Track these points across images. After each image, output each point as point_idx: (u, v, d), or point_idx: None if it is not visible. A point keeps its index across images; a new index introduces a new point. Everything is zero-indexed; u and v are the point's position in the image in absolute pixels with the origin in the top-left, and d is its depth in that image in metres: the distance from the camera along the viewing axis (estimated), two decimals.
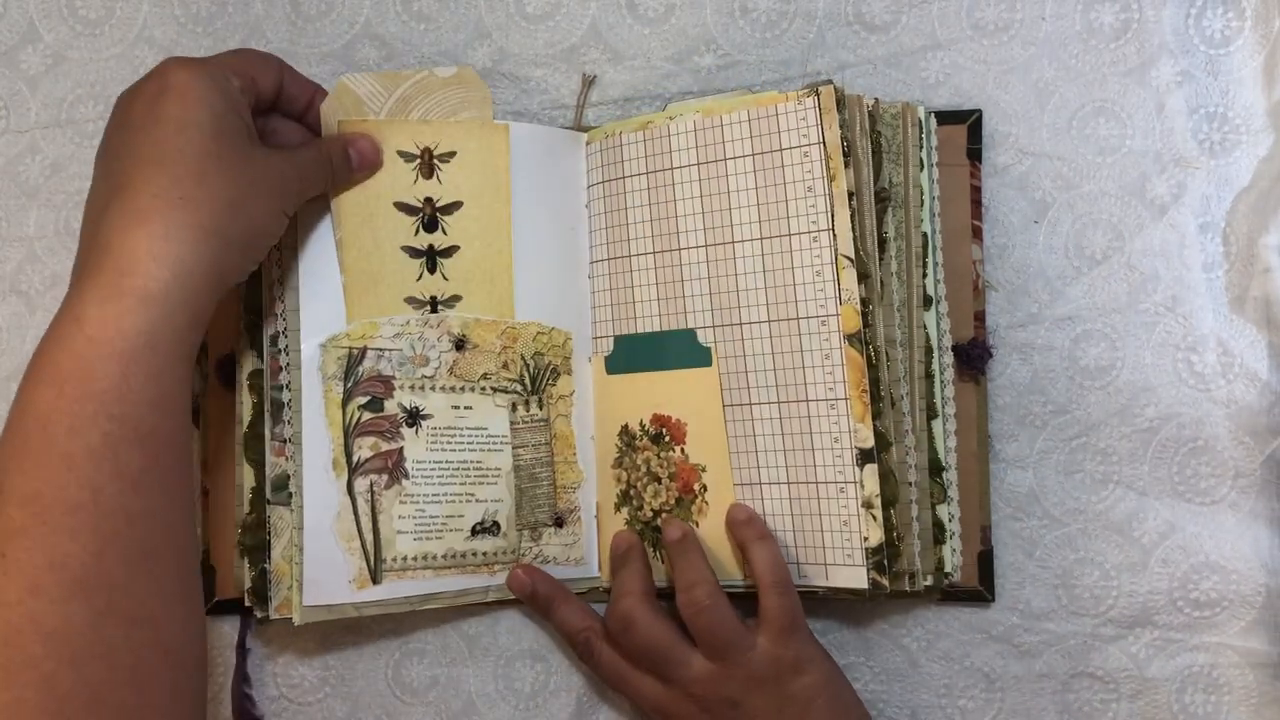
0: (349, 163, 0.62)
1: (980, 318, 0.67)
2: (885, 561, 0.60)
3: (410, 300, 0.64)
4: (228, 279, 0.54)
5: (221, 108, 0.54)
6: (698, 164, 0.64)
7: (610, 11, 0.69)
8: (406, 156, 0.64)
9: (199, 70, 0.54)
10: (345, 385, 0.63)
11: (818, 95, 0.62)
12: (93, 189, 0.54)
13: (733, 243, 0.64)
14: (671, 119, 0.65)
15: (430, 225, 0.65)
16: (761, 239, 0.63)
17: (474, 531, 0.65)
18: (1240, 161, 0.66)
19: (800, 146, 0.62)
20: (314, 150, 0.60)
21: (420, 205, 0.65)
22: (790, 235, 0.63)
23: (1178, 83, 0.67)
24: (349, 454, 0.63)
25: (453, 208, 0.65)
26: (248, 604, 0.63)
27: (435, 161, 0.65)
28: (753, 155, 0.64)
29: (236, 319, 0.65)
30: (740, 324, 0.64)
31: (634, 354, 0.66)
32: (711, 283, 0.64)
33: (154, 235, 0.51)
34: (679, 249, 0.65)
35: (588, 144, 0.68)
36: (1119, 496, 0.66)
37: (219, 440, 0.67)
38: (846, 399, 0.62)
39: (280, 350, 0.63)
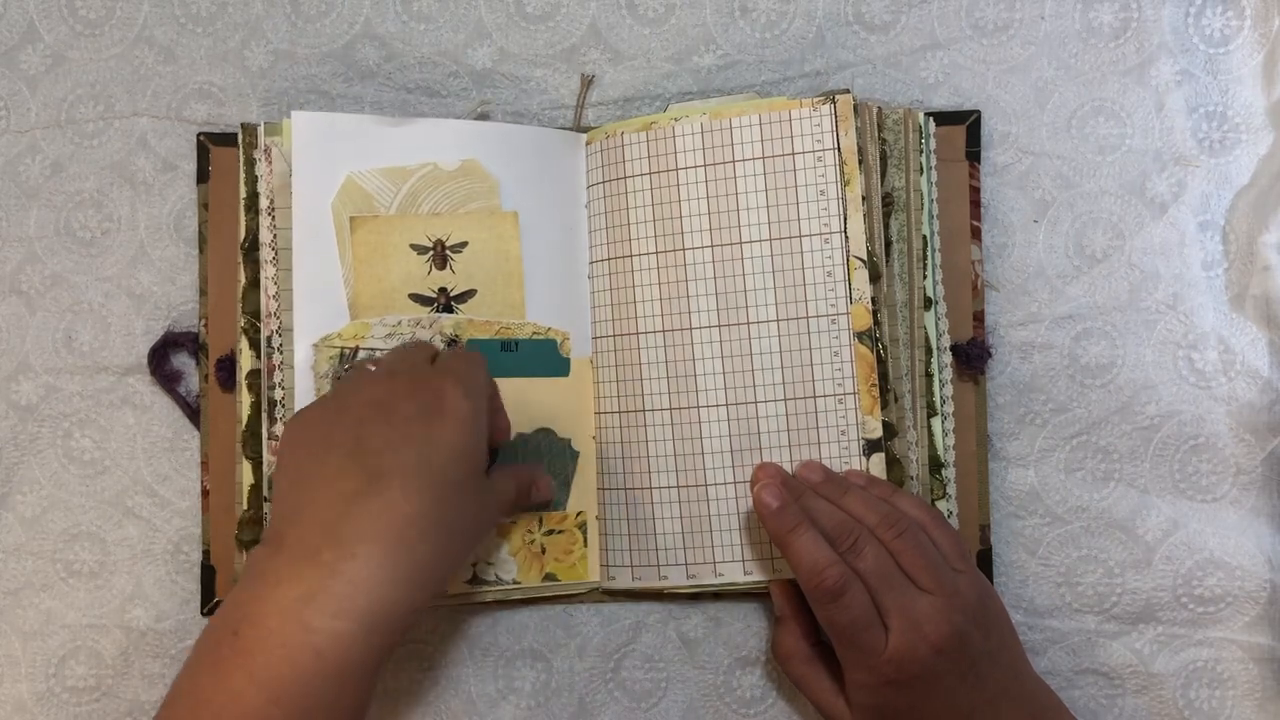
0: (528, 496, 0.64)
1: (979, 318, 0.67)
2: None
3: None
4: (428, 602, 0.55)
5: (482, 446, 0.56)
6: (704, 165, 0.65)
7: (610, 11, 0.69)
8: (419, 249, 0.65)
9: (476, 404, 0.56)
10: (335, 384, 0.64)
11: (834, 103, 0.63)
12: (332, 453, 0.53)
13: (740, 243, 0.64)
14: (676, 120, 0.65)
15: (447, 309, 0.66)
16: (771, 240, 0.64)
17: None
18: (1240, 160, 0.67)
19: (814, 151, 0.63)
20: (511, 482, 0.61)
21: (435, 295, 0.65)
22: (801, 237, 0.63)
23: (1177, 81, 0.67)
24: None
25: (466, 296, 0.66)
26: None
27: (448, 252, 0.66)
28: (763, 158, 0.64)
29: (235, 322, 0.65)
30: (747, 323, 0.64)
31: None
32: (717, 283, 0.64)
33: (399, 564, 0.51)
34: (683, 249, 0.65)
35: (588, 144, 0.68)
36: (1121, 494, 0.66)
37: (219, 440, 0.67)
38: (855, 393, 0.62)
39: (275, 350, 0.64)
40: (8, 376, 0.69)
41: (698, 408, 0.65)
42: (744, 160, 0.64)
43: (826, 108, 0.63)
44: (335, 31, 0.69)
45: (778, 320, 0.64)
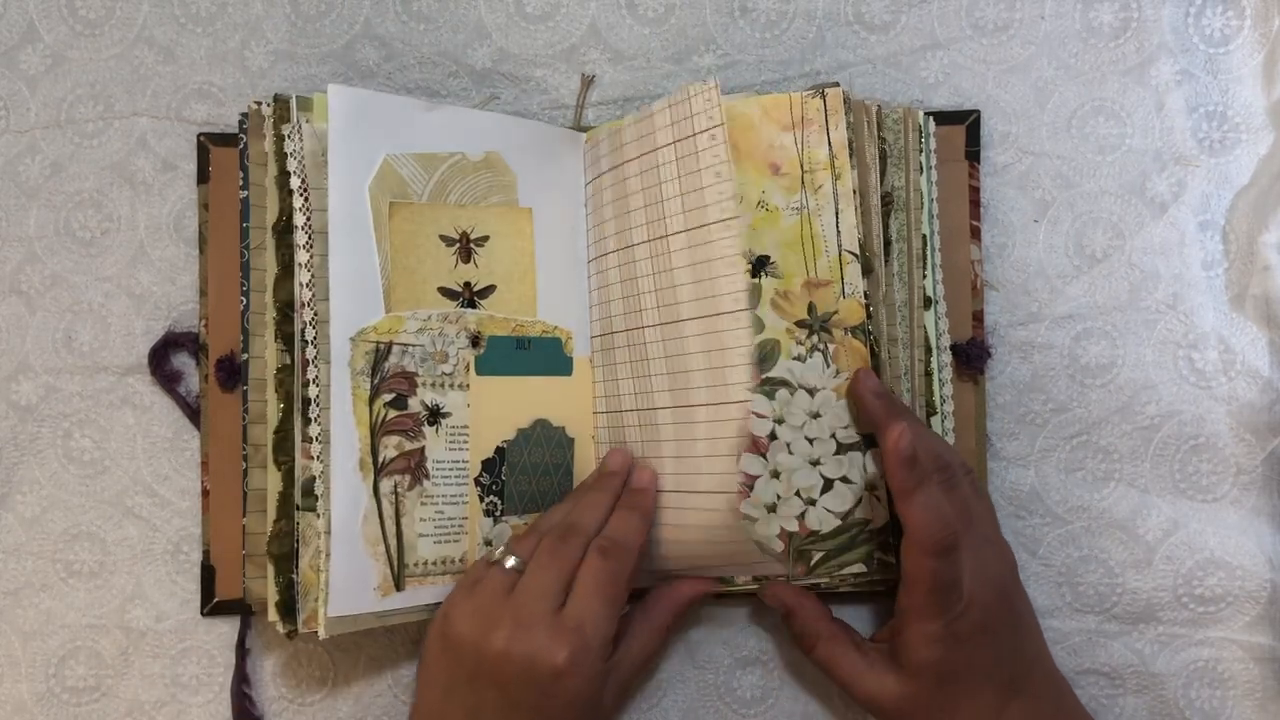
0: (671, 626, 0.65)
1: (979, 317, 0.67)
2: (891, 541, 0.61)
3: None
4: None
5: (598, 695, 0.58)
6: (638, 158, 0.64)
7: (610, 11, 0.69)
8: (447, 241, 0.64)
9: (591, 655, 0.57)
10: (373, 381, 0.62)
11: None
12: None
13: (666, 236, 0.63)
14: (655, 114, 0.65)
15: (470, 304, 0.65)
16: (687, 230, 0.63)
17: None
18: (1240, 159, 0.67)
19: (708, 130, 0.62)
20: (637, 662, 0.63)
21: (460, 290, 0.65)
22: (709, 225, 0.62)
23: (1177, 81, 0.67)
24: (375, 453, 0.61)
25: (487, 291, 0.65)
26: (272, 618, 0.60)
27: (472, 245, 0.65)
28: (674, 143, 0.63)
29: (237, 320, 0.65)
30: (672, 322, 0.64)
31: (502, 357, 0.66)
32: (655, 279, 0.64)
33: None
34: (631, 245, 0.65)
35: (586, 144, 0.68)
36: (1121, 494, 0.66)
37: (219, 440, 0.67)
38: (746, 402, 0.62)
39: (309, 343, 0.60)
40: (8, 376, 0.69)
41: (690, 406, 0.64)
42: (661, 147, 0.63)
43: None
44: (335, 31, 0.69)
45: (693, 319, 0.63)
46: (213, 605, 0.67)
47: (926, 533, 0.56)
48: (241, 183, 0.64)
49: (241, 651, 0.67)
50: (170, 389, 0.68)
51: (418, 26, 0.70)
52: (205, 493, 0.67)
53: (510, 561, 0.60)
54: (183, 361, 0.68)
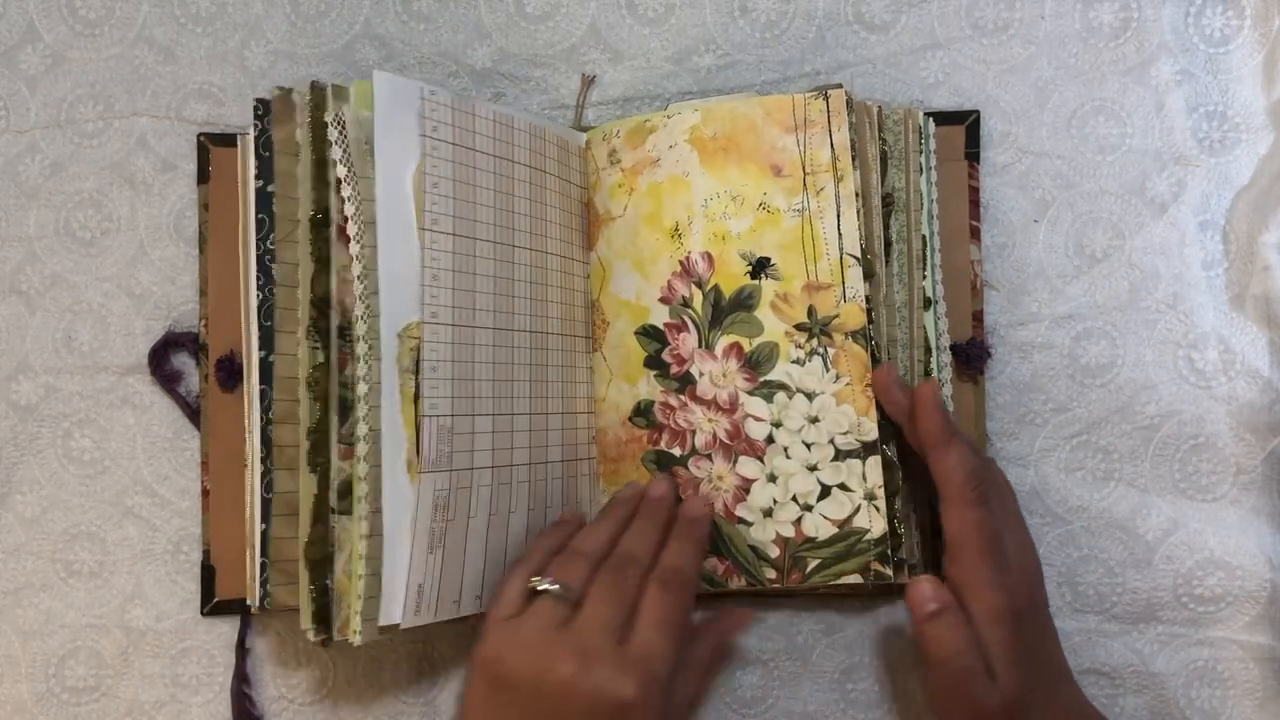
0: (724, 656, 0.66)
1: (979, 317, 0.67)
2: (889, 552, 0.61)
3: None
4: None
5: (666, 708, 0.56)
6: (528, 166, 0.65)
7: (610, 11, 0.69)
8: None
9: (659, 689, 0.55)
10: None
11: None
12: None
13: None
14: (669, 117, 0.65)
15: None
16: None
17: None
18: (1240, 159, 0.67)
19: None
20: (695, 684, 0.62)
21: None
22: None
23: (1177, 81, 0.67)
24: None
25: None
26: (305, 626, 0.58)
27: None
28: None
29: (238, 320, 0.65)
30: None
31: None
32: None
33: None
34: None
35: (587, 143, 0.68)
36: (1121, 494, 0.66)
37: (219, 440, 0.67)
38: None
39: (357, 340, 0.58)
40: (8, 376, 0.69)
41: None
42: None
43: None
44: (335, 31, 0.69)
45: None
46: (213, 605, 0.67)
47: (965, 482, 0.57)
48: (257, 173, 0.62)
49: (241, 651, 0.67)
50: (170, 389, 0.68)
51: (418, 26, 0.70)
52: (205, 493, 0.67)
53: (557, 589, 0.56)
54: (183, 361, 0.68)
